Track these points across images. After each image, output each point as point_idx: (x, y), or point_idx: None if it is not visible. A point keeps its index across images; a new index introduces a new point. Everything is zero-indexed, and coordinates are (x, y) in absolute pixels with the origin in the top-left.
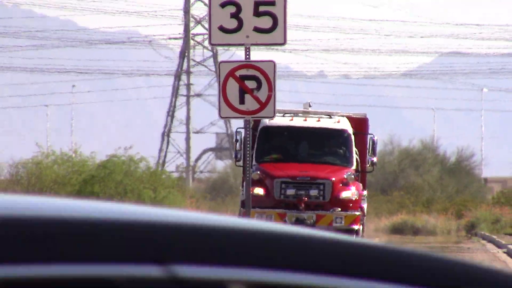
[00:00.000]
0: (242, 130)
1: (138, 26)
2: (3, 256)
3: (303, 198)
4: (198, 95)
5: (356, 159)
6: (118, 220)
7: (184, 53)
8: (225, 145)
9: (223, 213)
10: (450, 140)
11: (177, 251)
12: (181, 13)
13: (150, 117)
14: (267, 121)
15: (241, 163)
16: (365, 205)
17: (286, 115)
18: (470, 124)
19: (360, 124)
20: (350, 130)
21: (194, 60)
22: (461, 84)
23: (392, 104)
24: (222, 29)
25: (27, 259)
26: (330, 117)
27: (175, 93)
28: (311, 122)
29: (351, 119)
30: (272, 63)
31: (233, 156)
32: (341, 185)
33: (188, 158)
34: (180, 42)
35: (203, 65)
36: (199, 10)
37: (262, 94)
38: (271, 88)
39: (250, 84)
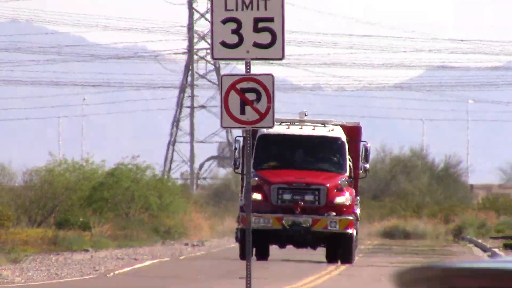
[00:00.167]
0: (241, 139)
1: (145, 42)
2: None
3: (299, 203)
4: (202, 106)
5: (350, 165)
6: None
7: (188, 67)
8: (227, 154)
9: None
10: (438, 148)
11: None
12: (185, 30)
13: (156, 128)
14: (264, 130)
15: (239, 170)
16: (358, 210)
17: (282, 123)
18: (457, 134)
19: (353, 132)
20: (343, 138)
21: (197, 74)
22: (449, 96)
23: (384, 115)
24: (224, 44)
25: None
26: (325, 126)
27: (180, 104)
28: (307, 130)
29: (344, 127)
30: (271, 76)
31: (232, 163)
32: (335, 190)
33: (192, 166)
34: (185, 56)
35: (206, 78)
36: (202, 26)
37: (262, 106)
38: (270, 100)
39: (250, 96)
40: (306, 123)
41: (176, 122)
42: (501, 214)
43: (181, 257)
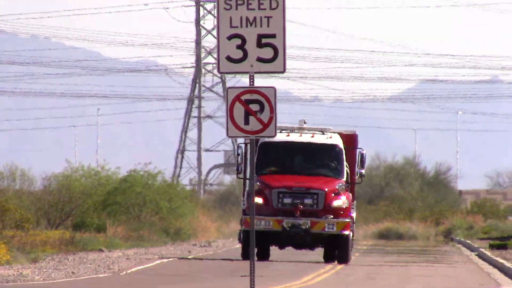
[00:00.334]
0: (243, 145)
1: (156, 57)
2: None
3: (299, 206)
4: (208, 116)
5: (347, 171)
6: None
7: (196, 80)
8: (232, 161)
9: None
10: (429, 156)
11: None
12: (193, 45)
13: (166, 137)
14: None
15: (242, 175)
16: (354, 213)
17: (283, 131)
18: (447, 143)
19: (350, 139)
20: (341, 145)
21: (204, 86)
22: (439, 108)
23: (379, 125)
24: (229, 59)
25: None
26: (323, 133)
27: (188, 115)
28: (306, 138)
29: (342, 135)
30: (273, 89)
31: (235, 168)
32: (333, 195)
33: (199, 172)
34: (193, 70)
35: (212, 90)
36: (209, 42)
37: (265, 116)
38: (272, 110)
39: (254, 107)
40: (305, 131)
41: (184, 131)
42: (488, 218)
43: (189, 257)
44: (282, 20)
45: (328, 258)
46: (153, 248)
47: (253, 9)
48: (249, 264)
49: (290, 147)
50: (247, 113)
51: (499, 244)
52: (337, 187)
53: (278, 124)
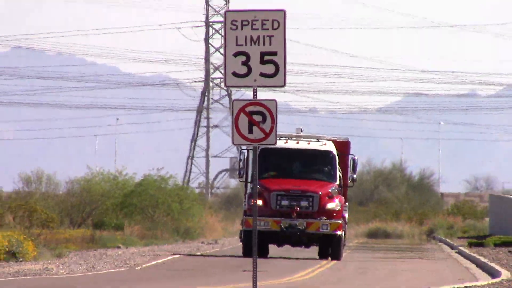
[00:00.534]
0: (245, 151)
1: (169, 72)
2: None
3: (295, 208)
4: (216, 126)
5: (340, 176)
6: None
7: (204, 93)
8: (237, 167)
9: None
10: (414, 163)
11: None
12: (202, 62)
13: (177, 144)
14: None
15: (243, 179)
16: (346, 214)
17: (281, 138)
18: (430, 150)
19: (343, 146)
20: (334, 152)
21: (212, 99)
22: (423, 119)
23: (369, 134)
24: (235, 74)
25: None
26: (318, 141)
27: (197, 125)
28: (302, 145)
29: (335, 142)
30: (274, 101)
31: (237, 173)
32: (327, 197)
33: (207, 177)
34: (202, 84)
35: (219, 102)
36: (217, 59)
37: (267, 126)
38: (274, 121)
39: (257, 118)
40: (302, 138)
41: (194, 139)
42: (467, 218)
43: (198, 253)
44: (282, 39)
45: (322, 255)
46: (165, 246)
47: (257, 29)
48: (250, 260)
49: (288, 153)
50: (251, 123)
51: (477, 242)
52: (330, 190)
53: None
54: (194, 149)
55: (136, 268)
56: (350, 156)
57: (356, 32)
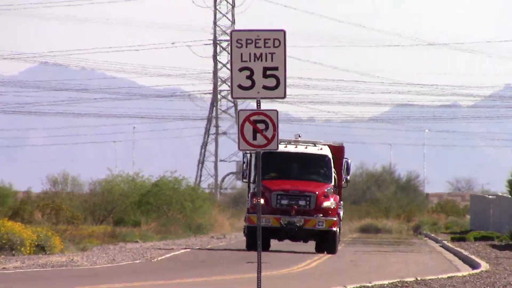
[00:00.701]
0: (248, 154)
1: (181, 85)
2: None
3: (294, 206)
4: (224, 133)
5: (334, 177)
6: None
7: (213, 104)
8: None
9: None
10: (402, 166)
11: None
12: (211, 76)
13: (189, 150)
14: None
15: (247, 179)
16: (341, 212)
17: (281, 143)
18: (416, 155)
19: (338, 150)
20: (330, 155)
21: (220, 109)
22: (410, 127)
23: (362, 141)
24: (240, 87)
25: None
26: (315, 145)
27: (207, 132)
28: (300, 149)
29: (331, 146)
30: (276, 111)
31: (241, 174)
32: (323, 197)
33: (216, 179)
34: (210, 96)
35: (227, 112)
36: (224, 73)
37: (269, 133)
38: (275, 128)
39: (260, 126)
40: (300, 143)
41: (204, 145)
42: (449, 216)
43: (207, 247)
44: (283, 55)
45: (319, 249)
46: (178, 240)
47: (260, 47)
48: (253, 253)
49: (287, 156)
50: (255, 131)
51: (459, 237)
52: (326, 190)
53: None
54: (204, 154)
55: (152, 260)
56: (344, 160)
57: (348, 49)
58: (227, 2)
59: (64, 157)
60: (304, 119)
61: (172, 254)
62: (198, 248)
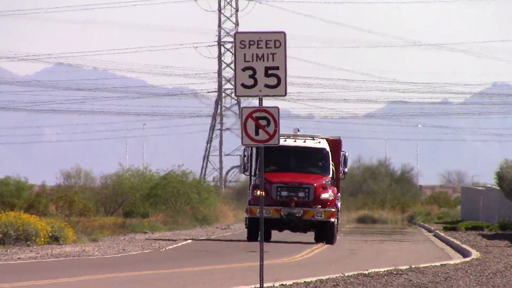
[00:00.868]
0: (249, 149)
1: (188, 84)
2: None
3: (293, 198)
4: (228, 129)
5: (332, 169)
6: None
7: (218, 102)
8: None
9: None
10: (396, 159)
11: None
12: (216, 75)
13: (195, 145)
14: None
15: (248, 172)
16: (339, 204)
17: (280, 137)
18: (410, 149)
19: (335, 144)
20: (328, 149)
21: (225, 106)
22: (404, 122)
23: (358, 136)
24: (243, 85)
25: None
26: (313, 139)
27: (212, 128)
28: (299, 143)
29: (329, 140)
30: (277, 108)
31: (242, 167)
32: (321, 189)
33: (220, 172)
34: (215, 94)
35: (230, 110)
36: (228, 73)
37: (270, 129)
38: (276, 125)
39: (262, 122)
40: (298, 137)
41: (209, 141)
42: (442, 207)
43: (213, 237)
44: (283, 56)
45: (318, 239)
46: (185, 231)
47: (262, 48)
48: (255, 243)
49: (286, 150)
50: (257, 127)
51: (451, 227)
52: (324, 182)
53: None
54: (209, 149)
55: (161, 250)
56: (341, 153)
57: (347, 50)
58: (231, 6)
59: (77, 152)
60: (304, 116)
61: (179, 244)
62: (204, 238)
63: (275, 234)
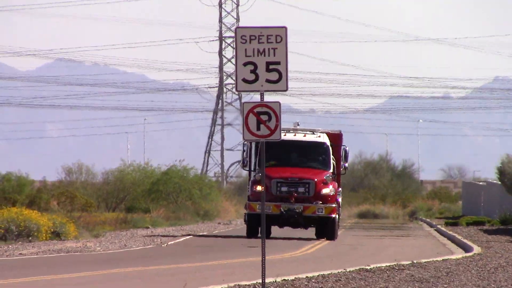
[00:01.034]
0: (248, 143)
1: (189, 79)
2: None
3: (293, 193)
4: (229, 124)
5: (333, 164)
6: None
7: (219, 97)
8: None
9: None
10: (397, 154)
11: None
12: (217, 70)
13: (196, 140)
14: None
15: (247, 167)
16: (340, 199)
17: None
18: (411, 144)
19: (336, 138)
20: (328, 143)
21: (226, 102)
22: (404, 117)
23: (359, 131)
24: (244, 80)
25: None
26: (313, 133)
27: (213, 124)
28: (299, 137)
29: (329, 134)
30: (278, 103)
31: (241, 162)
32: (322, 184)
33: (222, 167)
34: (217, 89)
35: (232, 105)
36: (229, 68)
37: (272, 124)
38: (278, 120)
39: (264, 117)
40: (298, 131)
41: (210, 136)
42: (443, 202)
43: (214, 232)
44: (285, 51)
45: (319, 235)
46: (187, 226)
47: (263, 43)
48: (255, 239)
49: (286, 144)
50: (259, 122)
51: (452, 222)
52: (325, 177)
53: None
54: (210, 144)
55: (162, 245)
56: (342, 147)
57: (348, 45)
58: (232, 1)
59: (78, 148)
60: (305, 111)
61: (181, 239)
62: (206, 234)
63: (275, 231)
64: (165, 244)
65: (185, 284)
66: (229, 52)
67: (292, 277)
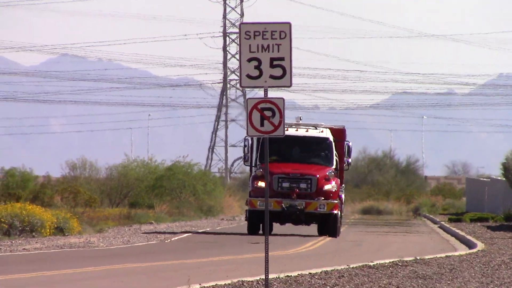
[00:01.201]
0: (249, 138)
1: (193, 75)
2: None
3: (295, 189)
4: (233, 120)
5: (336, 160)
6: None
7: (223, 93)
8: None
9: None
10: (401, 150)
11: None
12: (221, 66)
13: (200, 136)
14: None
15: (248, 163)
16: (343, 195)
17: None
18: (415, 140)
19: (339, 133)
20: (331, 138)
21: (230, 98)
22: (409, 113)
23: (363, 127)
24: (248, 76)
25: None
26: (316, 128)
27: (217, 119)
28: (301, 132)
29: (332, 129)
30: (282, 99)
31: (242, 157)
32: (324, 180)
33: (226, 163)
34: (221, 85)
35: (236, 101)
36: (233, 64)
37: (276, 120)
38: (282, 116)
39: (268, 113)
40: (301, 126)
41: (214, 132)
42: (446, 198)
43: (217, 228)
44: (289, 46)
45: (321, 232)
46: (190, 222)
47: (267, 38)
48: (257, 235)
49: (288, 140)
50: (262, 118)
51: (456, 218)
52: (327, 173)
53: None
54: (214, 140)
55: (166, 241)
56: (345, 142)
57: (352, 41)
58: None
59: (82, 143)
60: (309, 107)
61: (184, 235)
62: (209, 230)
63: (277, 227)
64: (168, 240)
65: (189, 279)
66: (233, 48)
67: (296, 273)
